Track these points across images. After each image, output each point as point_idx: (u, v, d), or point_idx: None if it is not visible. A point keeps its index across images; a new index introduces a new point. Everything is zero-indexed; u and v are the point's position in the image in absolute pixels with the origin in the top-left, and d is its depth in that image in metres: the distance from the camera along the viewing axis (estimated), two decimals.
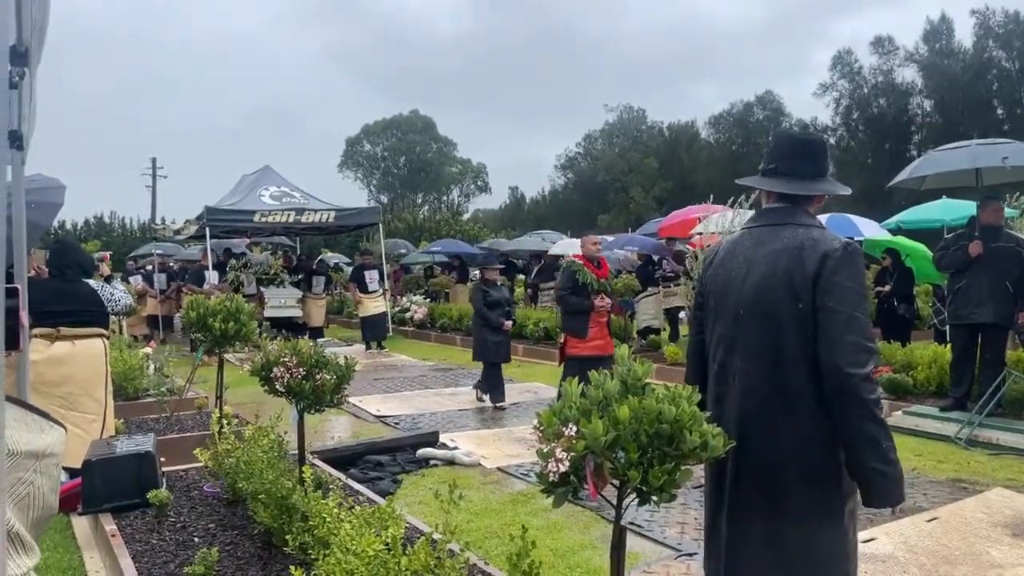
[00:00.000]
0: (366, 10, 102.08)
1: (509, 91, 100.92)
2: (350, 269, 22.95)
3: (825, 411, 2.02)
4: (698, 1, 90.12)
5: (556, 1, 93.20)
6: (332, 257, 25.43)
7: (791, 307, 2.05)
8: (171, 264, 17.92)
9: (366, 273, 14.06)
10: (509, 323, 8.33)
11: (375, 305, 13.88)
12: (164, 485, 4.58)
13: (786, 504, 2.07)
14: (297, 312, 14.41)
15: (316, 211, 14.66)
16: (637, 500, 1.82)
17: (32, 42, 1.75)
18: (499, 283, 8.64)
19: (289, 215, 14.23)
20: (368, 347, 13.60)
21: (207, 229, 13.71)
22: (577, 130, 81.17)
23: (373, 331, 13.82)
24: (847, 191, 2.32)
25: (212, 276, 13.38)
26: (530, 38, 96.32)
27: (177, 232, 16.18)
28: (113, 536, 3.94)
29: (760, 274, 2.13)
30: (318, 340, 13.69)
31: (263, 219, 14.06)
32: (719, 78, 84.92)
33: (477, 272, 20.93)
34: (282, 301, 14.23)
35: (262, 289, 14.12)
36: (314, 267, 15.59)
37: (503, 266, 9.47)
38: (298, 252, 19.19)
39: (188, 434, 6.15)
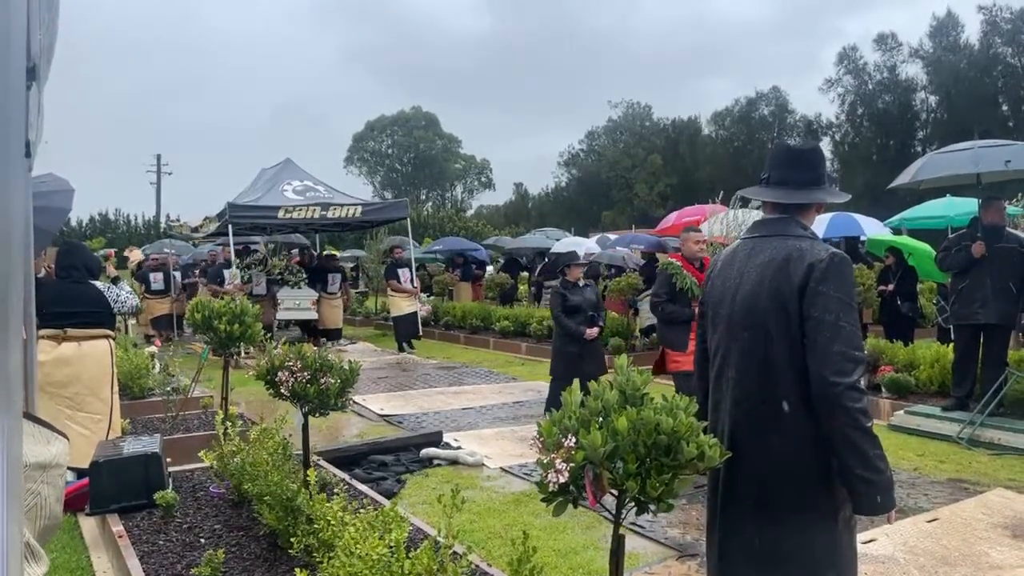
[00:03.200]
0: (375, 8, 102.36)
1: (517, 88, 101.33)
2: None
3: (814, 420, 2.05)
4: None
5: (563, 0, 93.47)
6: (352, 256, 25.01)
7: (779, 318, 2.09)
8: (186, 261, 17.73)
9: (399, 271, 13.49)
10: (594, 331, 6.95)
11: (408, 304, 13.35)
12: (170, 486, 4.63)
13: (776, 510, 2.10)
14: (312, 314, 13.91)
15: (342, 206, 13.84)
16: (635, 509, 1.86)
17: (40, 60, 1.79)
18: (583, 283, 7.28)
19: (314, 210, 13.40)
20: (401, 349, 13.11)
21: (229, 226, 13.08)
22: (584, 126, 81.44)
23: (405, 331, 13.27)
24: (842, 199, 2.33)
25: (237, 275, 12.98)
26: (540, 36, 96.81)
27: (195, 229, 15.34)
28: (120, 537, 3.98)
29: (750, 285, 2.18)
30: (337, 342, 13.28)
31: (287, 215, 13.30)
32: (729, 75, 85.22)
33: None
34: (296, 302, 13.72)
35: (274, 289, 13.67)
36: (329, 264, 15.00)
37: (587, 264, 8.00)
38: (318, 250, 18.46)
39: (194, 434, 6.19)
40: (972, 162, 6.92)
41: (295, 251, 17.21)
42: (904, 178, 7.53)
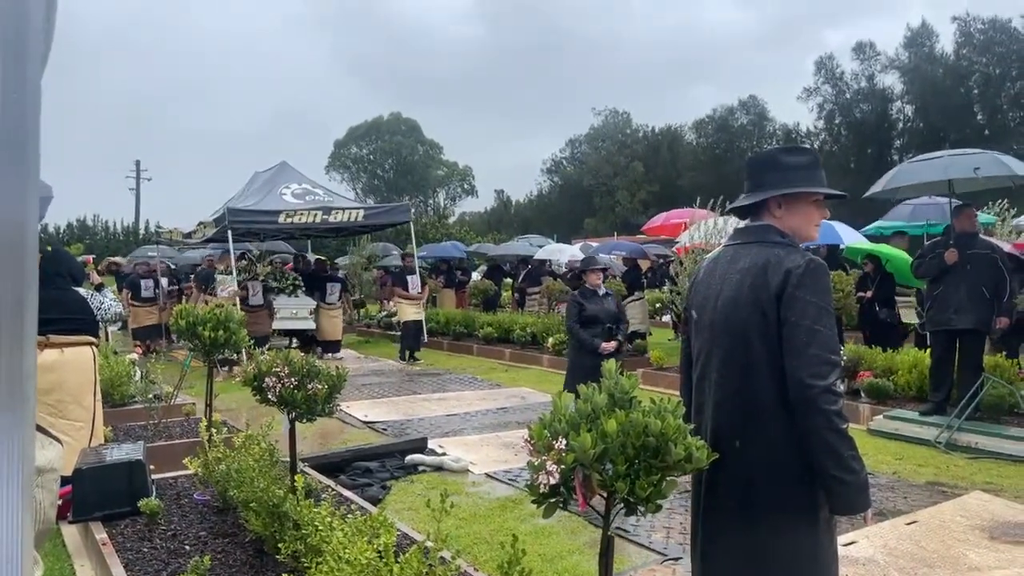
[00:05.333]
0: (368, 16, 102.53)
1: (503, 95, 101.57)
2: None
3: (793, 421, 2.09)
4: (697, 10, 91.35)
5: (556, 9, 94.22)
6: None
7: (758, 322, 2.14)
8: (170, 267, 17.32)
9: (408, 278, 13.01)
10: (611, 344, 6.28)
11: (415, 311, 12.86)
12: (154, 493, 4.60)
13: (757, 511, 2.14)
14: (309, 324, 13.34)
15: (344, 210, 13.27)
16: (624, 510, 1.89)
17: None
18: (604, 291, 6.64)
19: (315, 215, 12.81)
20: (403, 357, 12.67)
21: (229, 232, 12.39)
22: (568, 134, 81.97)
23: (410, 340, 12.84)
24: (780, 191, 2.26)
25: (231, 281, 12.40)
26: (528, 44, 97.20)
27: (188, 235, 14.61)
28: (104, 544, 3.96)
29: (730, 290, 2.23)
30: (333, 355, 12.88)
31: (288, 219, 12.66)
32: (715, 85, 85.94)
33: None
34: (292, 312, 13.15)
35: (270, 298, 13.09)
36: (328, 272, 14.45)
37: (605, 268, 7.35)
38: (307, 256, 17.69)
39: (177, 441, 6.16)
40: (943, 170, 7.08)
41: (278, 257, 16.64)
42: (878, 187, 7.70)
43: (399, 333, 13.40)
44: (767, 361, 2.12)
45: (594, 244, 21.12)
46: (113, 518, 4.36)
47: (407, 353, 12.72)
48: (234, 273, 12.48)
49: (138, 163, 48.71)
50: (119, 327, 15.47)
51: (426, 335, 13.44)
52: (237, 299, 11.66)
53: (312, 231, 15.35)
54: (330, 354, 13.17)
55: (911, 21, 45.91)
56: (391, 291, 14.19)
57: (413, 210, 15.13)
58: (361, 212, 13.60)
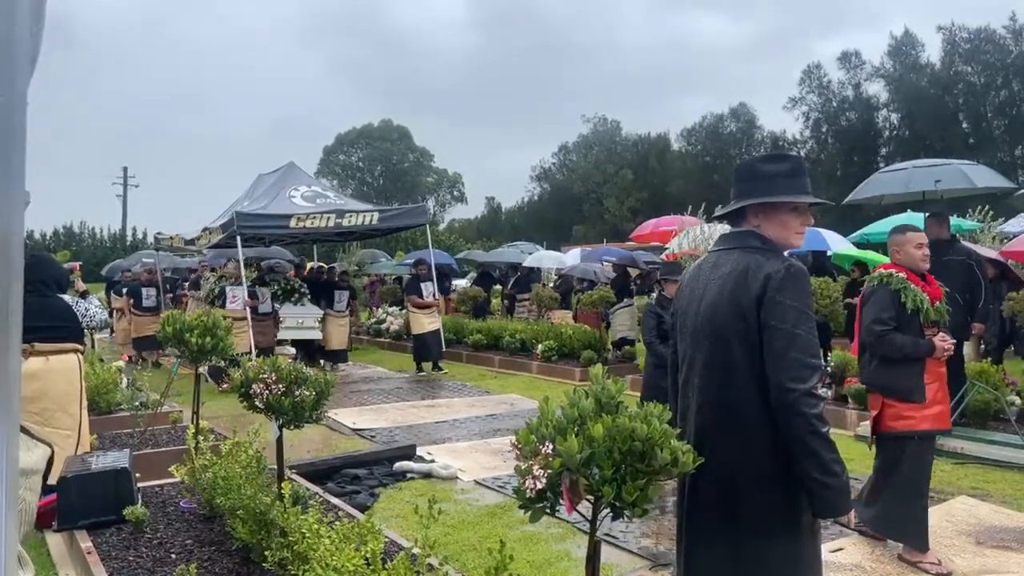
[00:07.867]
0: (363, 23, 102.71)
1: (494, 102, 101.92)
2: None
3: (774, 425, 2.11)
4: (687, 21, 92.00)
5: (548, 17, 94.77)
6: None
7: (738, 326, 2.16)
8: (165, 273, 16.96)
9: (422, 285, 12.46)
10: None
11: (430, 321, 12.29)
12: (140, 501, 4.57)
13: (739, 515, 2.16)
14: (316, 334, 12.80)
15: (358, 213, 12.43)
16: (611, 515, 1.89)
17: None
18: None
19: (328, 218, 11.99)
20: (420, 370, 12.19)
21: (238, 237, 11.54)
22: (558, 141, 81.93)
23: (426, 351, 12.31)
24: (757, 200, 2.27)
25: (241, 291, 11.64)
26: (520, 52, 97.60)
27: (191, 241, 13.90)
28: (89, 553, 3.92)
29: (712, 295, 2.26)
30: (339, 366, 12.59)
31: (300, 224, 11.85)
32: (705, 94, 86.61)
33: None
34: (299, 321, 12.58)
35: (276, 307, 12.47)
36: (336, 279, 13.93)
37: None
38: (310, 262, 16.95)
39: (163, 449, 6.12)
40: (904, 182, 7.17)
41: (274, 261, 16.32)
42: (853, 195, 7.87)
43: (412, 344, 12.89)
44: (748, 365, 2.14)
45: (587, 250, 21.14)
46: (98, 526, 4.33)
47: (421, 364, 12.34)
48: (244, 281, 11.75)
49: (125, 169, 48.68)
50: (108, 334, 15.18)
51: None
52: (248, 309, 11.35)
53: (328, 235, 14.62)
54: (336, 364, 12.80)
55: (895, 30, 46.28)
56: (377, 299, 13.84)
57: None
58: (376, 215, 12.87)
